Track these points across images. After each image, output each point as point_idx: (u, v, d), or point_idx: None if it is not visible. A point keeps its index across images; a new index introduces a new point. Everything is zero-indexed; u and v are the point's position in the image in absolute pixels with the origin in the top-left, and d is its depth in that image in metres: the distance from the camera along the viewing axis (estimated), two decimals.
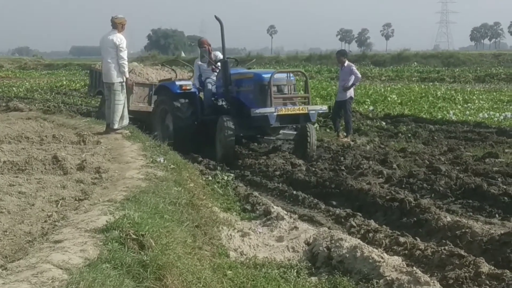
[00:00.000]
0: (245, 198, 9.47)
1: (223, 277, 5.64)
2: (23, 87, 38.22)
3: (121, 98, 12.54)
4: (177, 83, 14.39)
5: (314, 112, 13.22)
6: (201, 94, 14.81)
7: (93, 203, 6.35)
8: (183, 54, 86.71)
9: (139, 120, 16.47)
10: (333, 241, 6.82)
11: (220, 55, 15.06)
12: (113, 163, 9.04)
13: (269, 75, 13.10)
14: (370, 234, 7.53)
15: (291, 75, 13.87)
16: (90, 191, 6.98)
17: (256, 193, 9.68)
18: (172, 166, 9.32)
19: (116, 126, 12.56)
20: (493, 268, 6.16)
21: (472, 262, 6.25)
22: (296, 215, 8.50)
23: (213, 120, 13.64)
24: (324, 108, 14.58)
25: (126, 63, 12.55)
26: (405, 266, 6.04)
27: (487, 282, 5.91)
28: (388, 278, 5.78)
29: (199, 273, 5.05)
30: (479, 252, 6.77)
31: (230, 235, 7.37)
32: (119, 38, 12.33)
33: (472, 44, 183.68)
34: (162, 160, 9.47)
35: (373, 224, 7.97)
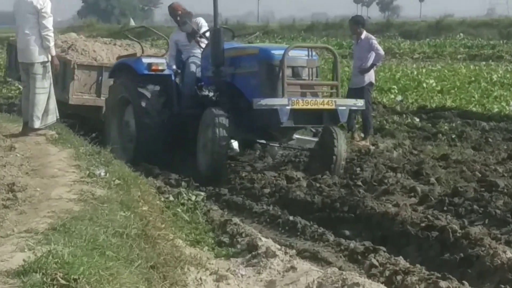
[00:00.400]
0: (222, 227, 9.41)
1: None
2: None
3: (44, 85, 12.54)
4: (144, 60, 13.30)
5: (344, 108, 11.70)
6: (178, 79, 13.62)
7: (5, 234, 6.34)
8: (132, 22, 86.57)
9: (83, 117, 15.97)
10: (346, 287, 6.85)
11: (203, 23, 14.09)
12: (33, 177, 9.03)
13: (281, 52, 11.55)
14: (399, 277, 7.55)
15: (313, 52, 12.07)
16: (0, 218, 6.97)
17: (236, 220, 9.63)
18: (117, 181, 9.31)
19: (37, 125, 12.53)
20: None
21: None
22: (294, 251, 8.47)
23: (195, 115, 12.62)
24: (360, 103, 12.64)
25: (52, 34, 12.49)
26: None
27: None
28: None
29: None
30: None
31: (200, 279, 7.33)
32: (41, 1, 12.28)
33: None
34: (103, 173, 9.46)
35: (402, 262, 7.98)
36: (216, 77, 12.37)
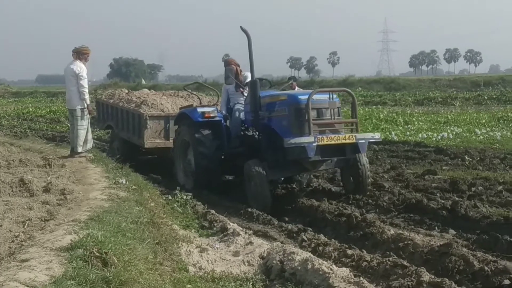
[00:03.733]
0: (203, 216, 9.38)
1: None
2: None
3: (83, 124, 12.49)
4: (199, 109, 11.48)
5: (364, 141, 9.94)
6: (228, 123, 11.80)
7: (58, 223, 6.29)
8: (143, 81, 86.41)
9: (158, 157, 14.81)
10: (285, 255, 6.81)
11: (249, 76, 11.57)
12: (77, 184, 8.97)
13: (306, 96, 9.80)
14: (320, 248, 7.54)
15: (334, 95, 10.34)
16: (55, 212, 6.92)
17: (213, 211, 9.61)
18: (133, 187, 9.32)
19: (80, 150, 12.50)
20: (433, 277, 6.21)
21: (414, 271, 6.31)
22: (251, 231, 8.46)
23: (242, 153, 10.96)
24: (377, 136, 10.77)
25: (86, 90, 12.42)
26: (352, 276, 6.06)
27: None
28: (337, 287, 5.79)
29: (160, 287, 5.00)
30: (421, 262, 6.85)
31: (189, 251, 7.30)
32: (79, 67, 12.30)
33: (411, 70, 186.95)
34: (124, 182, 9.44)
35: (322, 238, 7.99)
36: (255, 120, 10.59)
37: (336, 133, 9.83)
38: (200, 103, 12.75)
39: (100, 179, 9.62)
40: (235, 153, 10.94)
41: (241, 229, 8.43)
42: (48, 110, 38.81)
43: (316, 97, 9.76)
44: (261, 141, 10.66)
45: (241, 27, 10.51)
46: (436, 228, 8.70)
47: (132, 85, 68.90)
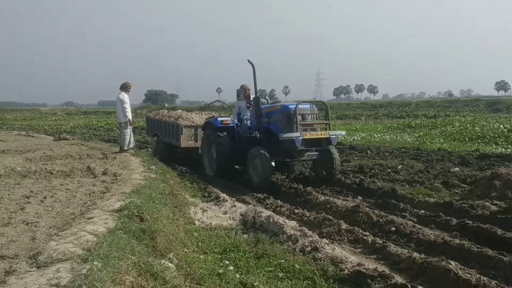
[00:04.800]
0: (204, 189, 9.35)
1: (191, 236, 5.62)
2: (69, 125, 37.45)
3: (127, 131, 12.52)
4: (219, 119, 11.29)
5: (334, 136, 9.59)
6: (239, 128, 11.31)
7: (111, 194, 6.27)
8: (166, 105, 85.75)
9: (189, 154, 13.95)
10: (256, 213, 6.88)
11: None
12: (124, 170, 8.90)
13: (294, 105, 9.61)
14: (278, 208, 7.61)
15: (313, 105, 10.10)
16: (110, 187, 6.89)
17: (211, 186, 9.60)
18: (160, 171, 9.26)
19: (125, 148, 12.49)
20: (348, 226, 6.33)
21: (336, 222, 6.44)
22: (235, 199, 8.48)
23: (248, 148, 10.35)
24: (343, 133, 10.45)
25: (128, 110, 12.38)
26: (298, 226, 6.17)
27: (345, 234, 6.07)
28: (288, 233, 5.88)
29: (177, 234, 5.04)
30: (340, 217, 6.95)
31: (195, 211, 7.31)
32: (123, 95, 12.40)
33: (334, 97, 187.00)
34: (154, 168, 9.40)
35: (279, 202, 8.04)
36: (258, 125, 10.31)
37: (315, 130, 9.58)
38: (219, 115, 12.40)
39: (138, 166, 9.56)
40: (244, 148, 10.48)
41: (229, 197, 8.47)
42: (106, 123, 38.95)
43: (301, 106, 9.58)
44: (262, 140, 10.31)
45: (248, 60, 10.21)
46: (349, 195, 8.79)
47: (159, 107, 68.72)
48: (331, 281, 4.36)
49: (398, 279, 4.36)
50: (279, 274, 4.50)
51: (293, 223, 6.33)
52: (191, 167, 12.39)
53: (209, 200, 8.41)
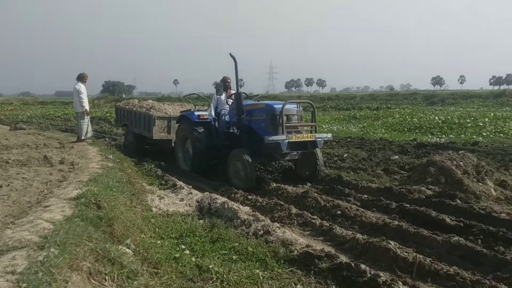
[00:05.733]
0: (161, 177, 9.18)
1: (148, 223, 5.53)
2: (25, 115, 35.78)
3: (85, 121, 12.22)
4: (196, 113, 10.18)
5: (320, 139, 8.62)
6: (216, 123, 10.26)
7: (69, 183, 6.08)
8: (123, 96, 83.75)
9: (161, 147, 12.99)
10: (212, 199, 6.84)
11: (232, 92, 10.50)
12: (81, 159, 8.66)
13: (280, 106, 8.55)
14: (232, 195, 7.59)
15: (299, 105, 9.07)
16: (67, 176, 6.69)
17: (168, 174, 9.46)
18: (117, 160, 9.06)
19: (82, 137, 12.17)
20: (298, 210, 6.42)
21: (287, 207, 6.52)
22: (191, 186, 8.38)
23: (226, 144, 9.52)
24: (329, 136, 9.07)
25: (85, 100, 12.08)
26: (251, 211, 6.19)
27: (295, 218, 6.15)
28: (242, 218, 5.89)
29: (134, 221, 4.95)
30: (291, 202, 7.03)
31: (153, 198, 7.18)
32: (80, 86, 12.14)
33: (286, 90, 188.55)
34: (111, 157, 9.19)
35: (234, 189, 8.02)
36: (239, 122, 9.23)
37: (299, 133, 8.59)
38: (195, 108, 11.37)
39: (96, 155, 9.31)
40: (221, 144, 9.64)
41: (185, 185, 8.36)
42: (63, 113, 37.49)
43: (287, 106, 8.47)
44: (242, 137, 9.27)
45: (230, 53, 8.90)
46: (299, 183, 8.89)
47: (116, 98, 66.87)
48: (282, 262, 4.42)
49: (343, 258, 4.47)
50: (233, 257, 4.52)
51: (247, 208, 6.35)
52: (164, 160, 11.54)
53: (166, 188, 8.28)
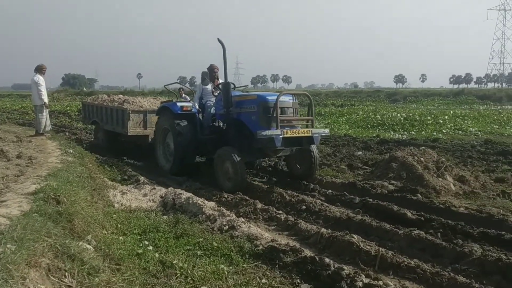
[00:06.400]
0: (124, 172, 9.03)
1: (110, 219, 5.42)
2: None
3: (43, 114, 11.81)
4: (178, 104, 9.24)
5: (317, 135, 7.87)
6: (201, 116, 9.38)
7: (26, 177, 5.90)
8: (84, 89, 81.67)
9: (138, 143, 12.19)
10: (176, 195, 6.79)
11: (221, 81, 9.45)
12: (40, 153, 8.40)
13: (274, 97, 7.78)
14: (197, 190, 7.56)
15: (295, 97, 8.21)
16: (24, 171, 6.49)
17: (130, 169, 9.29)
18: (78, 154, 8.83)
19: (41, 131, 11.79)
20: (264, 205, 6.45)
21: (252, 202, 6.55)
22: (155, 182, 8.29)
23: (212, 139, 8.81)
24: (327, 131, 8.20)
25: (44, 93, 11.70)
26: (216, 207, 6.18)
27: (260, 213, 6.18)
28: (207, 213, 5.88)
29: (95, 217, 4.85)
30: (256, 197, 7.06)
31: (115, 194, 7.05)
32: (38, 78, 11.74)
33: (252, 86, 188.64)
34: (71, 151, 8.96)
35: (199, 185, 7.98)
36: (226, 114, 8.35)
37: (294, 127, 7.85)
38: (177, 99, 10.32)
39: (55, 150, 9.05)
40: (206, 139, 8.89)
41: (149, 180, 8.28)
42: (20, 106, 36.16)
43: (282, 98, 7.73)
44: (229, 131, 8.51)
45: (218, 39, 8.09)
46: (265, 177, 8.95)
47: (76, 91, 65.12)
48: (247, 257, 4.43)
49: (308, 252, 4.52)
50: (198, 252, 4.49)
51: (212, 203, 6.33)
52: (139, 158, 11.08)
53: (129, 183, 8.15)
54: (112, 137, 12.47)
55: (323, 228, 5.31)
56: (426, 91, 61.09)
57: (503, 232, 5.13)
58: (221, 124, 9.03)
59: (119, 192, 7.23)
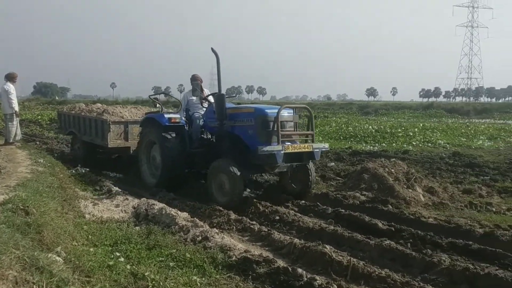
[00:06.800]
0: (96, 183, 8.92)
1: (81, 230, 5.31)
2: None
3: (13, 123, 11.57)
4: (166, 115, 8.68)
5: (318, 150, 7.50)
6: (189, 128, 8.86)
7: None
8: (56, 98, 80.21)
9: (119, 155, 11.73)
10: (149, 205, 6.72)
11: (207, 91, 9.20)
12: (9, 163, 8.21)
13: (272, 110, 7.40)
14: (171, 201, 7.49)
15: (296, 111, 7.87)
16: None
17: (103, 179, 9.16)
18: (49, 164, 8.65)
19: (11, 141, 11.51)
20: (237, 216, 6.44)
21: (226, 213, 6.51)
22: (128, 192, 8.18)
23: (202, 153, 8.31)
24: (326, 146, 7.87)
25: (14, 101, 11.44)
26: (190, 217, 6.14)
27: (234, 224, 6.17)
28: (180, 224, 5.83)
29: (65, 228, 4.76)
30: (230, 208, 7.00)
31: (86, 204, 6.95)
32: (9, 86, 11.53)
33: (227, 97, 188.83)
34: (42, 161, 8.77)
35: (172, 195, 7.90)
36: (219, 127, 7.84)
37: (294, 142, 7.44)
38: (162, 110, 9.58)
39: (25, 159, 8.86)
40: (195, 152, 8.39)
41: (121, 190, 8.17)
42: None
43: (283, 111, 7.35)
44: (222, 145, 7.97)
45: (211, 48, 7.60)
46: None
47: (48, 100, 63.79)
48: (220, 268, 4.41)
49: (281, 263, 4.53)
50: (170, 264, 4.45)
51: (185, 214, 6.28)
52: (120, 171, 10.65)
53: (101, 194, 8.06)
54: (90, 148, 11.78)
55: (296, 239, 5.33)
56: (397, 104, 62.43)
57: (471, 242, 5.25)
58: (209, 136, 8.62)
59: (91, 202, 7.14)
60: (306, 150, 7.40)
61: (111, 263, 4.22)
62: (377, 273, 4.29)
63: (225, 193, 7.30)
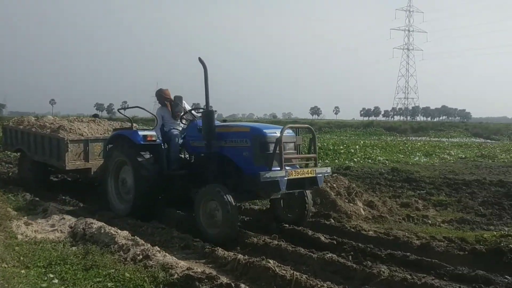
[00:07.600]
0: (31, 202, 8.45)
1: (12, 251, 5.01)
2: None
3: None
4: (140, 133, 7.64)
5: (321, 175, 6.60)
6: (164, 146, 7.67)
7: None
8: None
9: (79, 177, 10.66)
10: (87, 224, 6.48)
11: (187, 106, 8.03)
12: None
13: (271, 130, 6.50)
14: (111, 219, 7.25)
15: (299, 131, 6.98)
16: None
17: (38, 199, 8.69)
18: None
19: None
20: (180, 233, 6.34)
21: (169, 231, 6.42)
22: (65, 211, 7.81)
23: (182, 175, 7.33)
24: (329, 170, 6.83)
25: None
26: (130, 236, 5.95)
27: (177, 241, 6.06)
28: (120, 243, 5.64)
29: None
30: (174, 225, 6.87)
31: (18, 225, 6.59)
32: None
33: None
34: None
35: (111, 214, 7.62)
36: (207, 147, 6.72)
37: (294, 167, 6.63)
38: (132, 126, 8.43)
39: None
40: (174, 174, 7.40)
41: (57, 210, 7.81)
42: None
43: (285, 132, 6.41)
44: (208, 167, 6.98)
45: (199, 58, 6.57)
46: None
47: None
48: (161, 287, 4.28)
49: (224, 279, 4.46)
50: (108, 284, 4.27)
51: (125, 233, 6.07)
52: (79, 196, 9.46)
53: (35, 213, 7.67)
54: (42, 169, 10.42)
55: (240, 255, 5.28)
56: (339, 122, 64.50)
57: (408, 254, 5.44)
58: (187, 156, 7.77)
59: (24, 223, 6.80)
60: (310, 175, 6.52)
61: (44, 285, 4.02)
62: (319, 286, 4.32)
63: (216, 226, 6.27)
